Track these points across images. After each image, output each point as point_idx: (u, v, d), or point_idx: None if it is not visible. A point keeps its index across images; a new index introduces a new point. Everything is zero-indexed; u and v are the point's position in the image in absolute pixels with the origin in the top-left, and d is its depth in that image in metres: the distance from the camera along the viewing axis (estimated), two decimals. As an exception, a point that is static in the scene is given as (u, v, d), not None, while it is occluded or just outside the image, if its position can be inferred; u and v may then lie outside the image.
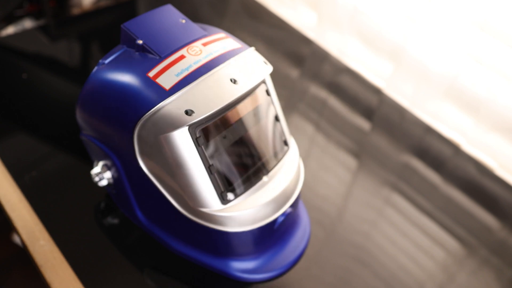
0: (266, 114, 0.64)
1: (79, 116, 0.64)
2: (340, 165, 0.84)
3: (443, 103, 0.90)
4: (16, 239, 1.23)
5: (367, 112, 0.95)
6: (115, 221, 0.70)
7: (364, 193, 0.80)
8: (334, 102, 0.96)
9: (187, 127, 0.54)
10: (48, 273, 0.63)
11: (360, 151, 0.88)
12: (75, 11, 1.17)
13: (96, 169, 0.65)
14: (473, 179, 0.85)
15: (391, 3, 0.91)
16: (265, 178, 0.62)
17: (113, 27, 1.04)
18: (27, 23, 1.15)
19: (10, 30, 1.11)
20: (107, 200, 0.72)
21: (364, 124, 0.93)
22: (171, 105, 0.54)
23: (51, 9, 1.14)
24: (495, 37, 0.77)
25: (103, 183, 0.66)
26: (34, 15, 1.15)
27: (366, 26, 0.97)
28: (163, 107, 0.54)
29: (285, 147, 0.66)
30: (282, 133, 0.66)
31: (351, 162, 0.85)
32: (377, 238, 0.73)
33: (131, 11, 1.14)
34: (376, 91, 0.99)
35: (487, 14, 0.77)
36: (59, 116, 0.85)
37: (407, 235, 0.74)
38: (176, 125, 0.53)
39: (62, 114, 0.85)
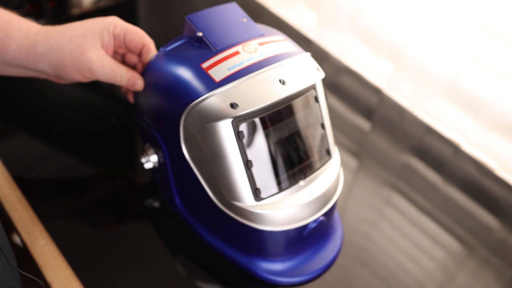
0: (312, 120, 0.63)
1: (136, 99, 0.66)
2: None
3: (443, 103, 0.90)
4: (16, 239, 1.22)
5: (367, 112, 0.95)
6: (115, 221, 0.70)
7: (364, 193, 0.80)
8: (334, 102, 0.96)
9: (231, 120, 0.55)
10: (48, 273, 0.63)
11: (360, 151, 0.88)
12: (75, 11, 1.17)
13: (144, 153, 0.67)
14: (473, 179, 0.85)
15: (391, 3, 0.91)
16: (301, 183, 0.61)
17: (113, 27, 1.04)
18: (27, 23, 1.14)
19: (10, 30, 1.11)
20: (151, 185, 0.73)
21: (364, 124, 0.93)
22: (217, 97, 0.55)
23: (50, 10, 1.14)
24: (495, 37, 0.77)
25: (149, 165, 0.67)
26: (34, 15, 1.15)
27: (366, 26, 0.97)
28: (210, 97, 0.55)
29: (327, 156, 0.65)
30: (326, 141, 0.65)
31: (351, 162, 0.85)
32: (377, 238, 0.73)
33: (131, 11, 1.14)
34: (376, 91, 0.99)
35: (487, 14, 0.77)
36: (59, 116, 0.85)
37: (407, 235, 0.74)
38: (220, 116, 0.54)
39: (62, 114, 0.85)
